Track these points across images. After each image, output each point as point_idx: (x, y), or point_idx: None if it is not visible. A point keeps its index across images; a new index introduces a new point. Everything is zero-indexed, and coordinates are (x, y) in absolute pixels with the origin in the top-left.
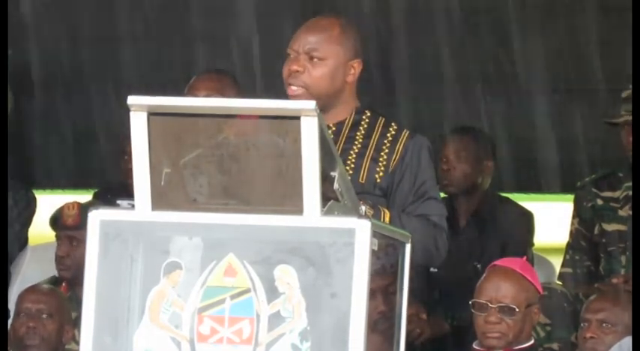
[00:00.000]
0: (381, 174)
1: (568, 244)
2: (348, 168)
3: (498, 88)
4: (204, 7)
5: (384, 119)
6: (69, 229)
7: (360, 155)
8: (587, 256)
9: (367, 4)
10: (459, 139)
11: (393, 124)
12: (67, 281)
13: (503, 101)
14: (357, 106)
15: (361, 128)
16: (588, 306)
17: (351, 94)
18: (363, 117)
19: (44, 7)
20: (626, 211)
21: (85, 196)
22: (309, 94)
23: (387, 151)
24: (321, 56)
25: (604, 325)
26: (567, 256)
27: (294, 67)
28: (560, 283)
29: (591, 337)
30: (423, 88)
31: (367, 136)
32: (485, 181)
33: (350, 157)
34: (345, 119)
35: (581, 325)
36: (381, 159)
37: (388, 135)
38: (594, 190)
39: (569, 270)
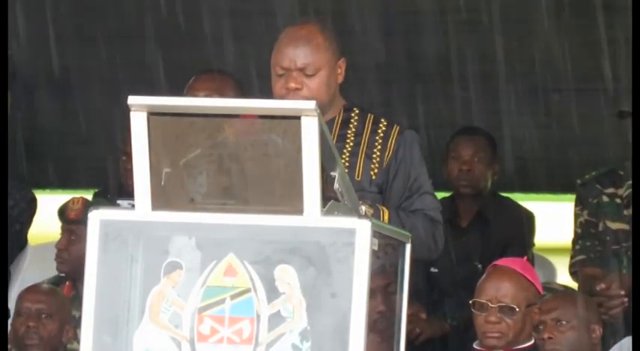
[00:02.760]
0: (375, 170)
1: (576, 237)
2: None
3: (498, 88)
4: (204, 7)
5: (373, 116)
6: (71, 222)
7: (354, 153)
8: (598, 242)
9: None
10: (476, 140)
11: (382, 120)
12: (71, 280)
13: (503, 101)
14: (345, 104)
15: (351, 126)
16: (541, 308)
17: (338, 92)
18: (352, 114)
19: (45, 6)
20: (629, 212)
21: (85, 196)
22: None
23: (379, 147)
24: (315, 69)
25: (559, 323)
26: (577, 246)
27: (293, 85)
28: (575, 271)
29: (549, 338)
30: (424, 88)
31: (358, 134)
32: (490, 182)
33: (344, 156)
34: (334, 117)
35: (539, 328)
36: (374, 156)
37: (379, 131)
38: (598, 186)
39: (582, 257)
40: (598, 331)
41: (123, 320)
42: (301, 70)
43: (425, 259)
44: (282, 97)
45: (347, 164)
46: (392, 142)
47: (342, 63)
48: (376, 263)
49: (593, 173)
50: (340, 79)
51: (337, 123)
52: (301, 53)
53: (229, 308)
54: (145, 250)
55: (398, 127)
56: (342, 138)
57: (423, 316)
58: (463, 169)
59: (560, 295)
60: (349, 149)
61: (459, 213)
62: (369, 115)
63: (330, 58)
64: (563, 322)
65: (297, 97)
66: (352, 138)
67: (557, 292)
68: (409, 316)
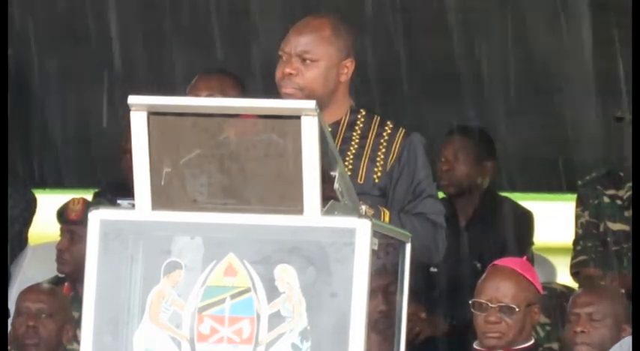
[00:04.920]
0: (379, 174)
1: (577, 237)
2: (346, 169)
3: (499, 88)
4: (206, 6)
5: (379, 118)
6: (71, 223)
7: (358, 156)
8: (599, 243)
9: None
10: (459, 140)
11: (388, 122)
12: (70, 280)
13: (503, 101)
14: (352, 106)
15: (357, 128)
16: (575, 301)
17: (345, 93)
18: (358, 116)
19: (45, 6)
20: (630, 213)
21: (85, 196)
22: (303, 96)
23: (383, 150)
24: (314, 58)
25: (593, 318)
26: (579, 247)
27: (287, 70)
28: (576, 272)
29: (582, 331)
30: (423, 88)
31: (363, 136)
32: (485, 181)
33: (347, 158)
34: (341, 119)
35: (570, 319)
36: (378, 159)
37: (384, 134)
38: (599, 187)
39: (583, 257)
40: (628, 330)
41: (123, 320)
42: (299, 56)
43: (425, 262)
44: (278, 82)
45: (350, 167)
46: (396, 146)
47: (349, 63)
48: (377, 263)
49: (594, 174)
50: (344, 78)
51: (343, 125)
52: (303, 40)
53: (229, 308)
54: (145, 250)
55: (404, 130)
56: (347, 140)
57: (423, 315)
58: (443, 169)
59: (596, 291)
60: (353, 152)
61: (456, 213)
62: (376, 117)
63: (334, 53)
64: (597, 318)
65: (291, 82)
66: (357, 140)
67: (594, 287)
68: (409, 316)
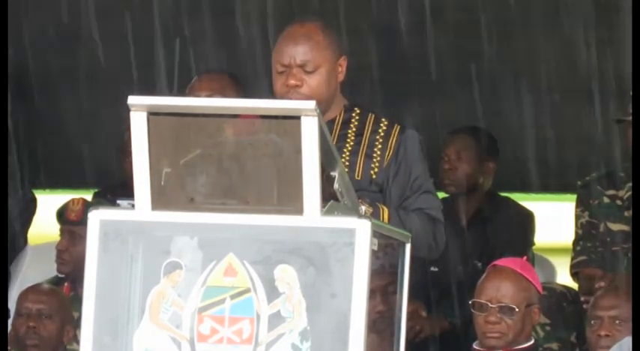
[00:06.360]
0: (376, 170)
1: (577, 238)
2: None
3: (499, 88)
4: (205, 7)
5: (374, 116)
6: (71, 223)
7: (354, 152)
8: (599, 243)
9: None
10: (461, 139)
11: (383, 119)
12: (70, 281)
13: (503, 101)
14: (346, 104)
15: (352, 126)
16: (598, 302)
17: (339, 92)
18: (353, 114)
19: (44, 6)
20: (630, 213)
21: (85, 196)
22: None
23: (380, 146)
24: (315, 66)
25: (617, 322)
26: (578, 247)
27: (292, 82)
28: (576, 272)
29: (606, 335)
30: (424, 88)
31: (359, 134)
32: (487, 181)
33: (344, 155)
34: (335, 117)
35: (592, 322)
36: (374, 155)
37: (380, 131)
38: (599, 187)
39: (583, 258)
40: None
41: (123, 320)
42: (301, 67)
43: (425, 257)
44: (282, 95)
45: (347, 164)
46: (392, 142)
47: (342, 61)
48: (375, 263)
49: (594, 175)
50: (341, 77)
51: (338, 123)
52: (301, 50)
53: (229, 308)
54: (144, 250)
55: (399, 127)
56: (342, 138)
57: (424, 313)
58: (445, 168)
59: (620, 292)
60: (349, 149)
61: (458, 212)
62: (370, 114)
63: (331, 56)
64: (621, 322)
65: (297, 94)
66: (353, 138)
67: (617, 289)
68: (409, 314)
